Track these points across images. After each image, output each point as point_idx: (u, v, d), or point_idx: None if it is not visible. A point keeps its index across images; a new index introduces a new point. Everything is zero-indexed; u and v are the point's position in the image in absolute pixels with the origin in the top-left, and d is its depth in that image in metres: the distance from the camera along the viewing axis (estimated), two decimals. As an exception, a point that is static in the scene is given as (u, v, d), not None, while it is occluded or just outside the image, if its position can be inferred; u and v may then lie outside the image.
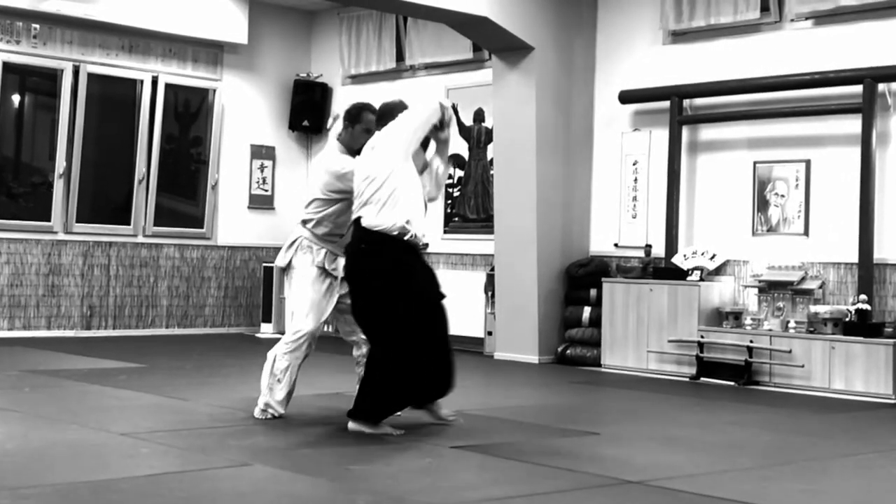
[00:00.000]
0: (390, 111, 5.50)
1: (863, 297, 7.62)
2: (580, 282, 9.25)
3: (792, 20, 8.42)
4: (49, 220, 10.26)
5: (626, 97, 9.22)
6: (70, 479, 4.15)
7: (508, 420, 5.98)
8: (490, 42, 9.39)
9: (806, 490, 4.49)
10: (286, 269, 5.74)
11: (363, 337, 5.65)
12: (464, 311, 9.47)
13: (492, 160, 9.89)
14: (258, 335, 11.06)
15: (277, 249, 11.41)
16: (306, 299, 5.63)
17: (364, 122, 5.71)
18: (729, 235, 8.67)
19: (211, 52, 11.26)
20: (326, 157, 5.74)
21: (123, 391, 6.66)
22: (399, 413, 5.53)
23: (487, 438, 5.35)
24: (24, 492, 3.90)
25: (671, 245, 8.84)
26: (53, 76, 10.30)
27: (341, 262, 5.59)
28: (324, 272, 5.65)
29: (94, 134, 10.52)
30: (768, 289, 8.27)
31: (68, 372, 7.54)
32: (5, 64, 10.01)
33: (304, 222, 5.72)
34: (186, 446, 4.89)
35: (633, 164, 9.32)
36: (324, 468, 4.56)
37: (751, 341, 7.99)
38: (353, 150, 5.65)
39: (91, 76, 10.42)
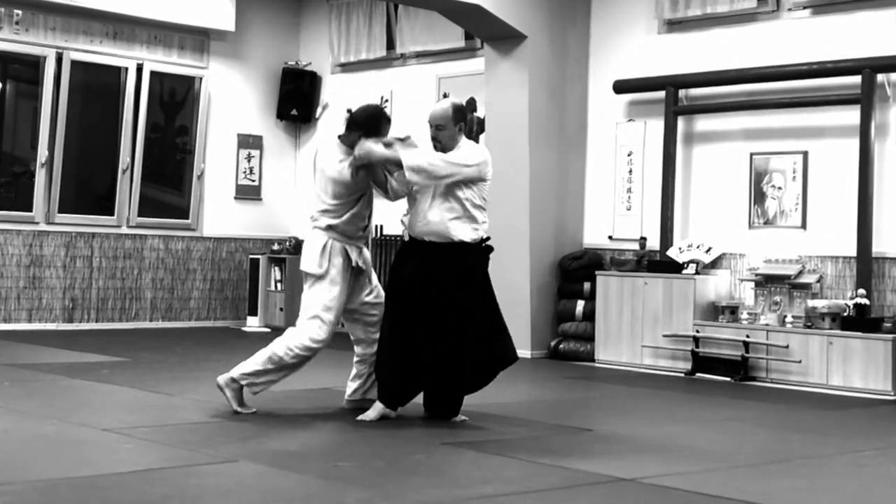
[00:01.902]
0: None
1: (861, 291, 7.54)
2: (574, 275, 9.15)
3: (789, 9, 8.34)
4: (30, 210, 10.10)
5: (621, 87, 9.11)
6: (51, 476, 4.07)
7: (500, 416, 5.90)
8: (482, 30, 9.28)
9: (803, 488, 4.44)
10: (318, 276, 5.60)
11: (369, 337, 5.77)
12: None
13: (483, 151, 9.77)
14: (244, 328, 10.95)
15: (265, 241, 11.57)
16: (336, 308, 5.59)
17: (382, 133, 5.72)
18: (725, 228, 8.58)
19: (197, 39, 11.10)
20: (328, 161, 5.67)
21: (106, 385, 6.58)
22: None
23: (479, 435, 5.29)
24: (3, 488, 3.81)
25: (666, 238, 8.74)
26: (36, 63, 10.14)
27: (367, 253, 5.75)
28: (355, 271, 5.67)
29: (78, 122, 10.37)
30: (765, 283, 8.18)
31: (50, 366, 7.44)
32: (-13, 50, 9.89)
33: (331, 227, 5.60)
34: (170, 442, 4.82)
35: (628, 155, 9.22)
36: (311, 465, 4.48)
37: (747, 336, 7.90)
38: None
39: (74, 63, 10.26)
